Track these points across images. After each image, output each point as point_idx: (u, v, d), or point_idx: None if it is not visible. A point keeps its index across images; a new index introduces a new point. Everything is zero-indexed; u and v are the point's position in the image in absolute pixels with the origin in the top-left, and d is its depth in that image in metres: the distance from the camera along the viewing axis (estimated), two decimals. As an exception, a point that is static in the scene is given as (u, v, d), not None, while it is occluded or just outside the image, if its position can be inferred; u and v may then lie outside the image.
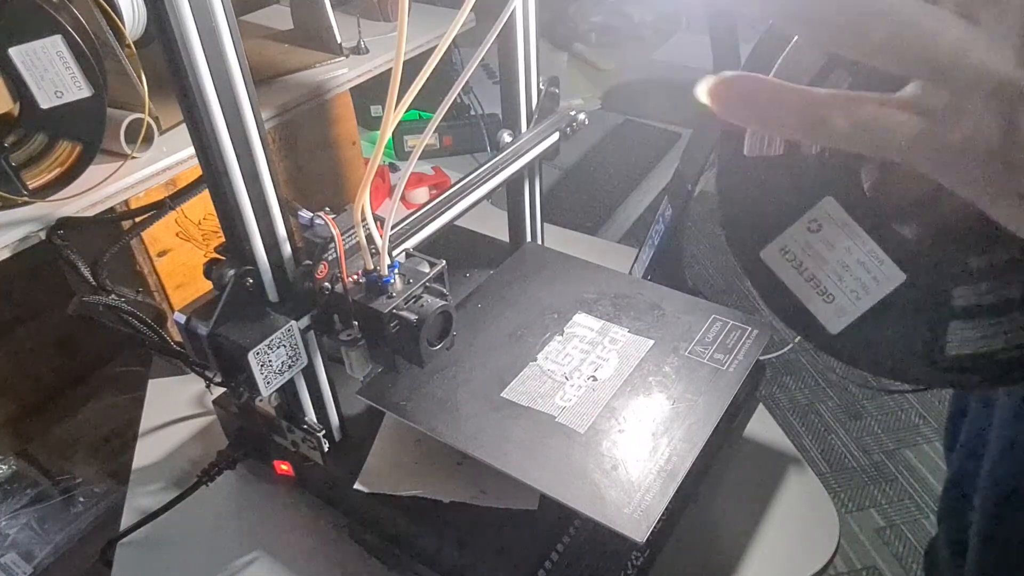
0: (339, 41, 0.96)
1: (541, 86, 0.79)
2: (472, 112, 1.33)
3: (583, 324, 0.72)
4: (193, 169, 0.76)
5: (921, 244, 0.30)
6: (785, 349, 0.74)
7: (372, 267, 0.56)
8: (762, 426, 0.78)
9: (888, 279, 0.30)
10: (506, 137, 0.78)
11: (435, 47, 0.47)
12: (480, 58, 0.49)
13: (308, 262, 0.56)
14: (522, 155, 0.78)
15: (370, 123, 1.32)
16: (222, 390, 0.76)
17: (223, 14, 0.46)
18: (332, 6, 0.95)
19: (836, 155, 0.31)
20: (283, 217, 0.56)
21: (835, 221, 0.31)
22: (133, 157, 0.74)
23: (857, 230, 0.31)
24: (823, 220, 0.31)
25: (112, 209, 0.72)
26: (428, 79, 0.47)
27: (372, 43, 0.98)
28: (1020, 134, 0.20)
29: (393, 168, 1.28)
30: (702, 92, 0.24)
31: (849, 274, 0.31)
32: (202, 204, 0.79)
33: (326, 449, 0.65)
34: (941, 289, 0.29)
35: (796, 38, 0.30)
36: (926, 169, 0.22)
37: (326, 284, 0.57)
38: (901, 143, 0.22)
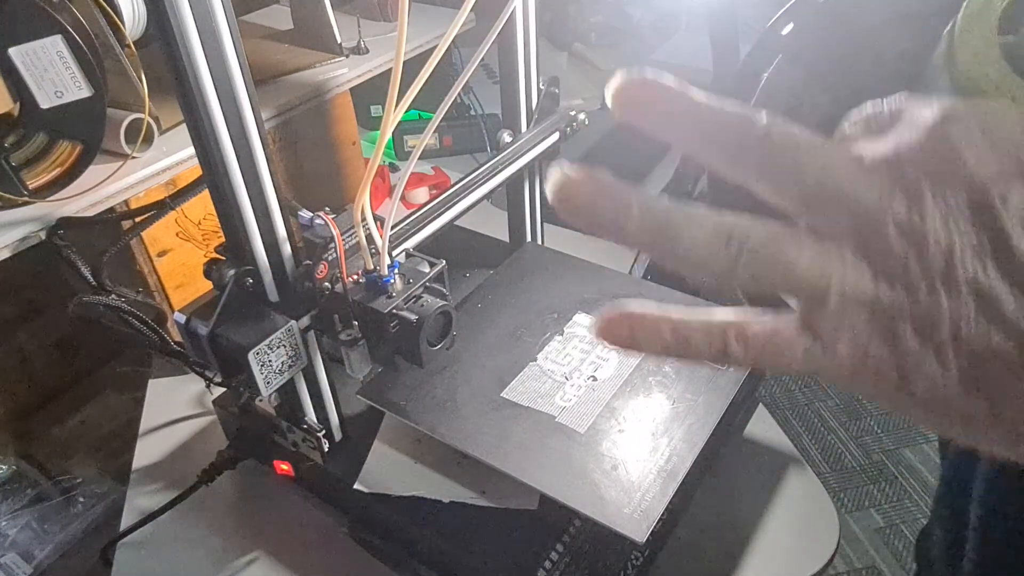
0: (339, 41, 0.96)
1: (541, 86, 0.79)
2: (472, 112, 1.33)
3: (583, 324, 0.72)
4: (193, 169, 0.76)
5: None
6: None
7: (372, 267, 0.56)
8: (762, 426, 0.78)
9: None
10: (506, 137, 0.78)
11: (435, 47, 0.47)
12: (480, 58, 0.49)
13: (308, 262, 0.56)
14: (522, 155, 0.78)
15: (370, 123, 1.32)
16: (222, 390, 0.76)
17: (223, 14, 0.46)
18: (332, 6, 0.95)
19: None
20: (283, 217, 0.56)
21: None
22: (133, 157, 0.74)
23: None
24: None
25: (112, 209, 0.72)
26: (428, 79, 0.47)
27: (372, 43, 0.98)
28: (904, 344, 0.21)
29: (393, 168, 1.28)
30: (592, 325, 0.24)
31: None
32: (202, 204, 0.79)
33: (326, 449, 0.65)
34: None
35: (777, 61, 0.31)
36: (826, 380, 0.23)
37: (326, 284, 0.57)
38: (796, 362, 0.22)
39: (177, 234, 0.81)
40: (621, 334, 0.24)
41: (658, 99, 0.24)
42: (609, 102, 0.24)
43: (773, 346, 0.22)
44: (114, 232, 0.70)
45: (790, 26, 0.33)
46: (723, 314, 0.23)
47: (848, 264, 0.21)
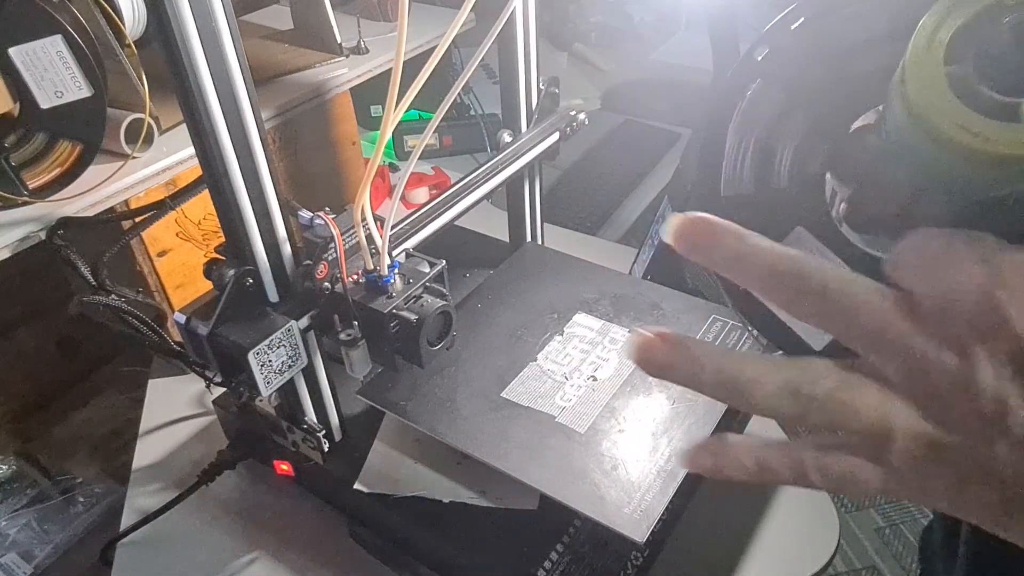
0: (339, 41, 0.96)
1: (541, 86, 0.79)
2: (472, 112, 1.33)
3: (583, 324, 0.72)
4: (193, 169, 0.76)
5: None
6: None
7: (372, 267, 0.56)
8: (762, 426, 0.78)
9: None
10: (506, 137, 0.78)
11: (435, 47, 0.47)
12: (480, 58, 0.49)
13: (308, 262, 0.56)
14: (522, 155, 0.78)
15: (370, 123, 1.32)
16: (222, 390, 0.76)
17: (223, 14, 0.46)
18: (332, 6, 0.95)
19: (800, 188, 0.33)
20: (283, 217, 0.56)
21: (807, 247, 0.33)
22: (133, 157, 0.74)
23: (828, 254, 0.33)
24: (796, 247, 0.33)
25: (112, 209, 0.72)
26: (428, 79, 0.47)
27: (372, 43, 0.98)
28: (970, 490, 0.23)
29: (393, 168, 1.28)
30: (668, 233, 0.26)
31: None
32: (202, 204, 0.79)
33: (326, 449, 0.65)
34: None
35: (756, 84, 0.33)
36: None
37: (326, 284, 0.57)
38: (873, 491, 0.25)
39: (177, 234, 0.81)
40: (706, 465, 0.27)
41: (716, 242, 0.26)
42: (669, 239, 0.26)
43: (852, 480, 0.24)
44: (114, 232, 0.70)
45: (766, 51, 0.34)
46: (803, 447, 0.25)
47: (906, 411, 0.23)
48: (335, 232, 0.55)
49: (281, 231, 0.56)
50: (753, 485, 0.29)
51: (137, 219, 0.68)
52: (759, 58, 0.34)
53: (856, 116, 0.32)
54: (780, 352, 0.35)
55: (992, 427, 0.22)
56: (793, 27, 0.33)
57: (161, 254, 0.81)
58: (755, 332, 0.35)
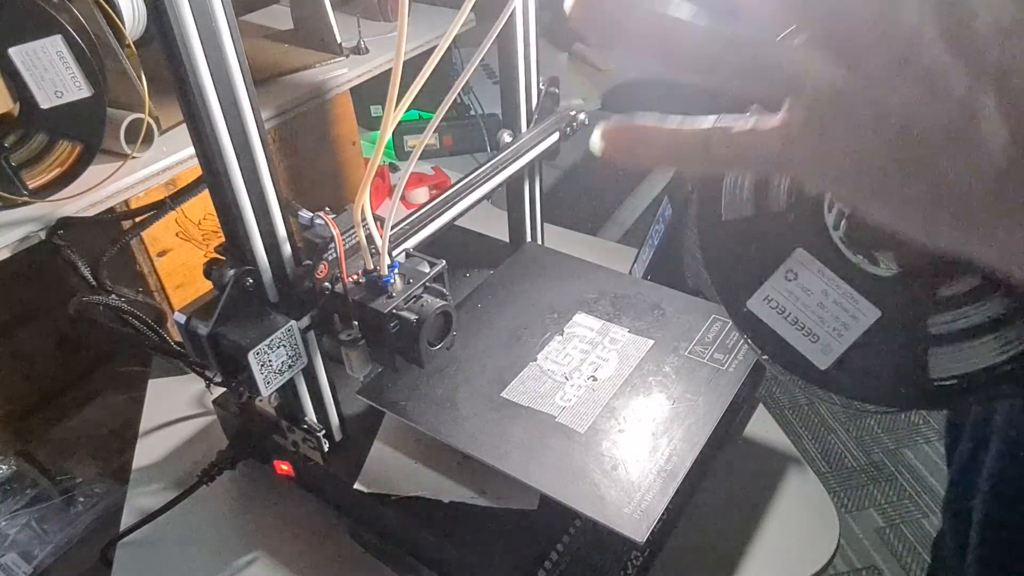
0: (339, 41, 0.96)
1: (541, 86, 0.79)
2: (472, 112, 1.33)
3: (583, 324, 0.72)
4: (193, 169, 0.76)
5: (891, 281, 0.33)
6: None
7: (372, 267, 0.56)
8: (762, 426, 0.78)
9: (864, 315, 0.34)
10: (506, 137, 0.78)
11: (435, 47, 0.47)
12: (480, 58, 0.49)
13: (308, 262, 0.56)
14: (522, 155, 0.78)
15: (370, 123, 1.32)
16: (222, 390, 0.76)
17: (223, 14, 0.46)
18: (332, 6, 0.95)
19: (799, 210, 0.35)
20: (283, 217, 0.56)
21: (808, 268, 0.34)
22: (133, 157, 0.74)
23: (829, 274, 0.34)
24: (797, 269, 0.34)
25: (112, 209, 0.72)
26: (428, 79, 0.47)
27: (372, 43, 0.98)
28: (859, 133, 0.23)
29: (393, 168, 1.28)
30: (595, 141, 0.27)
31: (828, 314, 0.34)
32: (202, 204, 0.79)
33: (326, 449, 0.65)
34: (917, 321, 0.32)
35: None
36: (802, 179, 0.26)
37: (326, 284, 0.57)
38: (772, 156, 0.25)
39: (177, 234, 0.81)
40: (621, 143, 0.27)
41: (634, 138, 0.27)
42: (598, 151, 0.27)
43: (753, 138, 0.24)
44: (114, 232, 0.70)
45: None
46: (710, 120, 0.26)
47: (821, 59, 0.23)
48: (335, 232, 0.55)
49: (281, 231, 0.56)
50: (660, 165, 0.30)
51: (137, 219, 0.68)
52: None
53: None
54: (788, 374, 0.36)
55: (899, 66, 0.22)
56: None
57: (161, 254, 0.81)
58: (763, 355, 0.36)
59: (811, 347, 0.34)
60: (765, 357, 0.36)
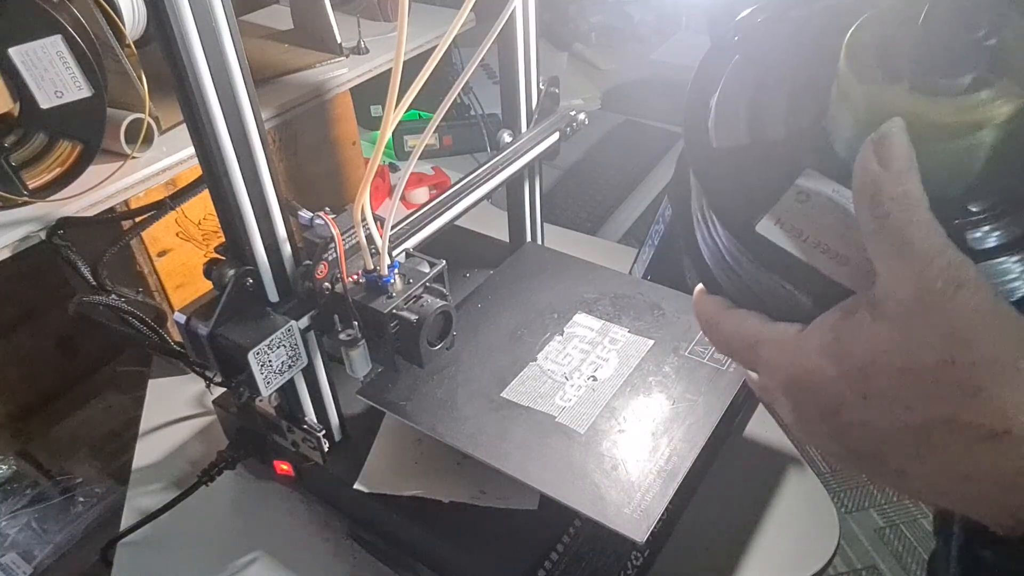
0: (339, 41, 0.96)
1: (541, 86, 0.79)
2: (472, 112, 1.33)
3: (583, 324, 0.72)
4: (193, 169, 0.76)
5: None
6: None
7: (372, 267, 0.56)
8: (762, 426, 0.78)
9: None
10: (506, 137, 0.78)
11: (435, 47, 0.47)
12: (480, 58, 0.49)
13: (308, 262, 0.56)
14: (522, 155, 0.78)
15: (370, 123, 1.32)
16: (222, 390, 0.76)
17: (223, 14, 0.46)
18: (332, 6, 0.95)
19: (803, 136, 0.33)
20: (283, 217, 0.56)
21: (821, 188, 0.31)
22: (133, 157, 0.74)
23: (844, 192, 0.31)
24: (808, 191, 0.32)
25: (112, 209, 0.72)
26: (428, 79, 0.47)
27: (372, 43, 0.98)
28: (804, 414, 0.31)
29: (393, 168, 1.28)
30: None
31: (855, 234, 0.30)
32: (202, 204, 0.79)
33: (326, 449, 0.65)
34: (954, 234, 0.28)
35: (735, 60, 0.35)
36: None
37: (326, 284, 0.57)
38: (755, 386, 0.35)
39: (177, 234, 0.81)
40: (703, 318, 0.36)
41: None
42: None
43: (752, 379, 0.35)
44: (114, 232, 0.70)
45: (738, 36, 0.36)
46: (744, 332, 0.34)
47: (779, 396, 0.33)
48: (335, 232, 0.55)
49: (281, 231, 0.56)
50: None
51: (137, 219, 0.68)
52: (736, 39, 0.36)
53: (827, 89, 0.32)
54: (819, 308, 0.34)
55: (822, 418, 0.31)
56: (760, 19, 0.35)
57: (161, 254, 0.81)
58: (786, 285, 0.34)
59: (841, 270, 0.31)
60: (788, 287, 0.32)
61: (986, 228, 0.29)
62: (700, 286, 0.37)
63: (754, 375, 0.34)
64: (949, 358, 0.26)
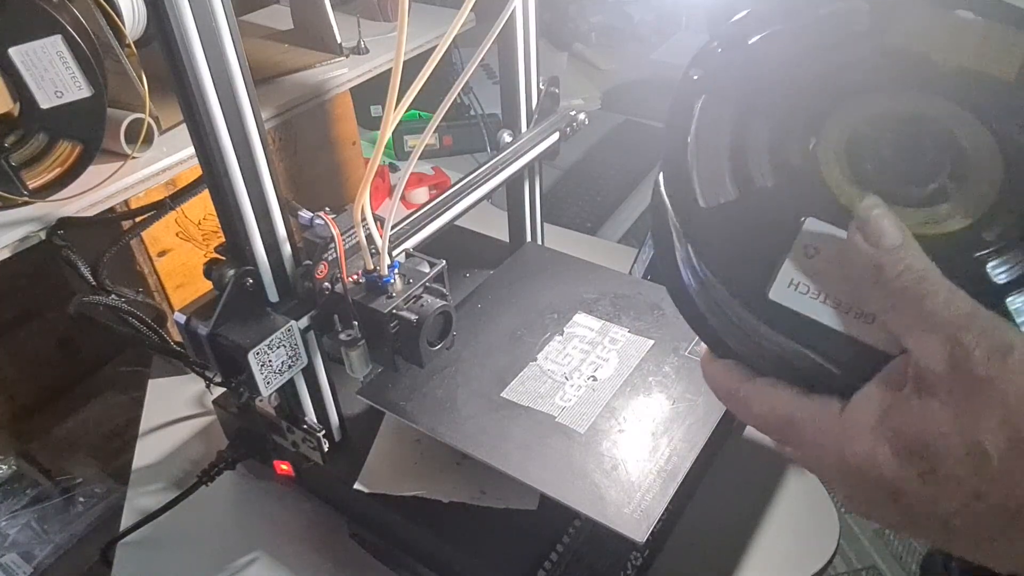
0: (339, 41, 0.96)
1: (541, 86, 0.79)
2: (472, 112, 1.33)
3: (583, 324, 0.72)
4: (193, 169, 0.76)
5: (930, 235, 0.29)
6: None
7: (372, 267, 0.56)
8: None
9: None
10: (506, 137, 0.78)
11: (435, 47, 0.47)
12: (480, 58, 0.49)
13: (308, 262, 0.56)
14: (522, 155, 0.78)
15: (370, 123, 1.32)
16: (222, 390, 0.76)
17: (223, 14, 0.46)
18: (332, 6, 0.95)
19: (794, 181, 0.31)
20: (283, 217, 0.56)
21: (829, 239, 0.29)
22: (133, 157, 0.74)
23: (843, 235, 0.29)
24: (815, 242, 0.29)
25: (112, 209, 0.72)
26: (428, 79, 0.47)
27: (372, 43, 0.98)
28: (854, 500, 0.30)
29: (393, 168, 1.28)
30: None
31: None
32: (202, 204, 0.79)
33: (326, 449, 0.65)
34: (976, 270, 0.28)
35: (702, 100, 0.33)
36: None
37: (326, 284, 0.57)
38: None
39: (177, 234, 0.81)
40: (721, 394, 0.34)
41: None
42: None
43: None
44: (114, 232, 0.70)
45: (701, 72, 0.33)
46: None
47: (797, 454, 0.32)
48: (335, 232, 0.55)
49: (281, 231, 0.56)
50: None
51: (137, 219, 0.68)
52: (695, 77, 0.33)
53: (815, 106, 0.31)
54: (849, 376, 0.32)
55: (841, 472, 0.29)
56: (720, 50, 0.33)
57: (161, 254, 0.81)
58: (813, 355, 0.31)
59: (868, 329, 0.28)
60: (814, 356, 0.29)
61: (1007, 256, 0.28)
62: (706, 351, 0.34)
63: (792, 451, 0.31)
64: (1016, 435, 0.24)
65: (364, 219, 0.54)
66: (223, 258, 0.55)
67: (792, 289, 0.29)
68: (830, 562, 0.67)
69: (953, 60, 0.31)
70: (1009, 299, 0.27)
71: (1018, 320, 0.27)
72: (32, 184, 0.66)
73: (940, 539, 0.28)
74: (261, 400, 0.65)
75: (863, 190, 0.29)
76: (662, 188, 0.33)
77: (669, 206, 0.33)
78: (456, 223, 0.71)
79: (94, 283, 0.68)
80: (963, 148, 0.29)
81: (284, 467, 0.72)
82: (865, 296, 0.28)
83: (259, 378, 0.55)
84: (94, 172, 0.70)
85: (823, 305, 0.29)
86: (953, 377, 0.25)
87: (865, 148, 0.30)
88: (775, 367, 0.31)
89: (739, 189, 0.31)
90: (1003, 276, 0.28)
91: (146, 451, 0.81)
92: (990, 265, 0.28)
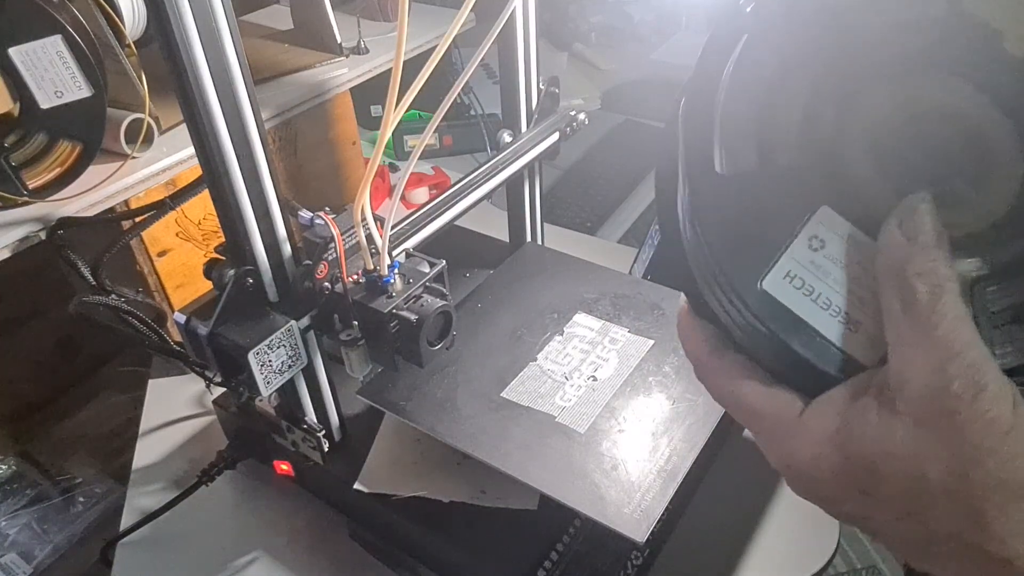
0: (339, 41, 0.96)
1: (541, 86, 0.79)
2: (472, 112, 1.33)
3: (583, 324, 0.72)
4: (193, 169, 0.76)
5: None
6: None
7: (372, 267, 0.56)
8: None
9: None
10: (506, 137, 0.78)
11: (435, 47, 0.47)
12: (480, 58, 0.49)
13: (308, 262, 0.56)
14: (522, 155, 0.78)
15: (370, 123, 1.32)
16: (222, 390, 0.76)
17: (223, 14, 0.46)
18: (332, 6, 0.95)
19: (819, 160, 0.28)
20: (283, 217, 0.55)
21: (838, 234, 0.27)
22: (133, 157, 0.74)
23: (865, 240, 0.27)
24: (823, 234, 0.27)
25: (112, 209, 0.72)
26: (428, 79, 0.47)
27: (372, 43, 0.98)
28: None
29: (393, 168, 1.28)
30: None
31: (870, 293, 0.27)
32: (202, 204, 0.79)
33: (326, 449, 0.65)
34: (972, 297, 0.26)
35: (744, 41, 0.29)
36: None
37: (326, 284, 0.57)
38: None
39: (177, 234, 0.81)
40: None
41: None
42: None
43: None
44: (114, 232, 0.70)
45: (753, 2, 0.28)
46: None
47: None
48: (335, 232, 0.55)
49: (281, 231, 0.56)
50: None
51: (137, 219, 0.68)
52: (748, 9, 0.29)
53: (860, 84, 0.28)
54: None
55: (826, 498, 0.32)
56: None
57: (161, 254, 0.81)
58: (788, 343, 0.30)
59: (852, 338, 0.27)
60: (792, 353, 0.28)
61: (1002, 283, 0.27)
62: (685, 306, 0.32)
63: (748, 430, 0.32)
64: (959, 474, 0.24)
65: (364, 219, 0.54)
66: (223, 258, 0.55)
67: (787, 281, 0.28)
68: (830, 562, 0.67)
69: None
70: (995, 333, 0.26)
71: (1000, 362, 0.26)
72: (32, 184, 0.66)
73: (875, 538, 0.29)
74: (261, 400, 0.65)
75: (887, 183, 0.27)
76: (680, 130, 0.30)
77: (682, 162, 0.29)
78: (456, 223, 0.71)
79: (94, 283, 0.68)
80: (992, 154, 0.27)
81: (284, 467, 0.72)
82: (867, 296, 0.27)
83: (259, 378, 0.55)
84: (94, 172, 0.70)
85: (812, 303, 0.28)
86: (924, 404, 0.25)
87: (897, 139, 0.27)
88: (751, 343, 0.30)
89: (761, 158, 0.28)
90: (997, 304, 0.27)
91: (146, 451, 0.81)
92: (989, 290, 0.27)
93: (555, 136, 0.81)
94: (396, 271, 0.57)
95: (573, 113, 0.82)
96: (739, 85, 0.28)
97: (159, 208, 0.66)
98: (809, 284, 0.28)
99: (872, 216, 0.27)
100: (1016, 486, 0.24)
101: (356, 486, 0.64)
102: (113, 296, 0.69)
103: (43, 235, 0.66)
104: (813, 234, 0.27)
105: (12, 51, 0.61)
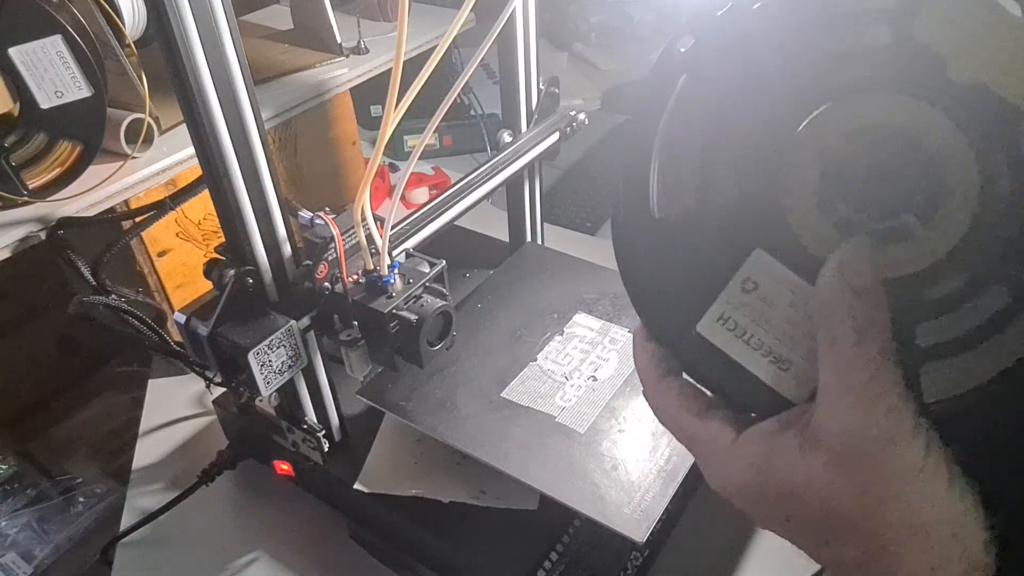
0: (339, 41, 0.96)
1: (541, 86, 0.79)
2: (472, 112, 1.33)
3: (583, 324, 0.72)
4: (193, 169, 0.76)
5: None
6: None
7: (372, 267, 0.56)
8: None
9: None
10: (506, 137, 0.78)
11: (435, 47, 0.47)
12: (480, 58, 0.49)
13: (308, 262, 0.56)
14: (522, 155, 0.78)
15: (370, 123, 1.32)
16: (222, 390, 0.76)
17: (223, 14, 0.46)
18: (332, 6, 0.95)
19: (757, 203, 0.28)
20: (283, 217, 0.56)
21: (771, 275, 0.28)
22: (133, 157, 0.74)
23: (796, 281, 0.27)
24: (757, 277, 0.28)
25: (112, 209, 0.72)
26: (428, 79, 0.47)
27: (372, 43, 0.98)
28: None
29: (393, 168, 1.28)
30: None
31: (801, 332, 0.28)
32: (202, 204, 0.79)
33: (326, 449, 0.65)
34: (903, 332, 0.26)
35: (682, 81, 0.28)
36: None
37: (326, 284, 0.57)
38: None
39: (177, 234, 0.81)
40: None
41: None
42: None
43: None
44: (114, 232, 0.70)
45: (691, 41, 0.28)
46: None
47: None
48: (335, 232, 0.55)
49: (281, 231, 0.56)
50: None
51: (137, 219, 0.68)
52: (682, 49, 0.28)
53: (805, 113, 0.27)
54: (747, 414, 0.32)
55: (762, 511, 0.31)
56: (719, 13, 0.28)
57: (161, 254, 0.81)
58: (713, 393, 0.32)
59: (782, 377, 0.28)
60: (725, 395, 0.30)
61: (940, 319, 0.27)
62: (640, 328, 0.32)
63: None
64: (867, 511, 0.26)
65: (364, 219, 0.54)
66: (223, 258, 0.55)
67: (720, 324, 0.29)
68: (830, 562, 0.67)
69: (971, 70, 0.25)
70: (923, 368, 0.26)
71: (925, 395, 0.26)
72: (32, 184, 0.66)
73: None
74: (261, 400, 0.65)
75: (829, 220, 0.27)
76: (619, 184, 0.30)
77: (621, 207, 0.30)
78: (456, 223, 0.71)
79: (94, 283, 0.68)
80: (944, 184, 0.26)
81: (284, 467, 0.72)
82: (799, 336, 0.28)
83: (259, 378, 0.55)
84: (94, 172, 0.70)
85: (744, 345, 0.29)
86: (841, 443, 0.26)
87: (847, 169, 0.27)
88: (692, 375, 0.31)
89: (698, 201, 0.28)
90: (928, 339, 0.27)
91: (146, 451, 0.81)
92: (921, 325, 0.27)
93: (555, 136, 0.81)
94: (396, 271, 0.57)
95: (573, 113, 0.82)
96: (678, 127, 0.28)
97: (159, 208, 0.66)
98: (742, 326, 0.28)
99: (811, 255, 0.27)
100: (920, 526, 0.26)
101: (356, 486, 0.64)
102: (113, 296, 0.69)
103: (43, 235, 0.66)
104: (746, 277, 0.28)
105: (12, 51, 0.61)
